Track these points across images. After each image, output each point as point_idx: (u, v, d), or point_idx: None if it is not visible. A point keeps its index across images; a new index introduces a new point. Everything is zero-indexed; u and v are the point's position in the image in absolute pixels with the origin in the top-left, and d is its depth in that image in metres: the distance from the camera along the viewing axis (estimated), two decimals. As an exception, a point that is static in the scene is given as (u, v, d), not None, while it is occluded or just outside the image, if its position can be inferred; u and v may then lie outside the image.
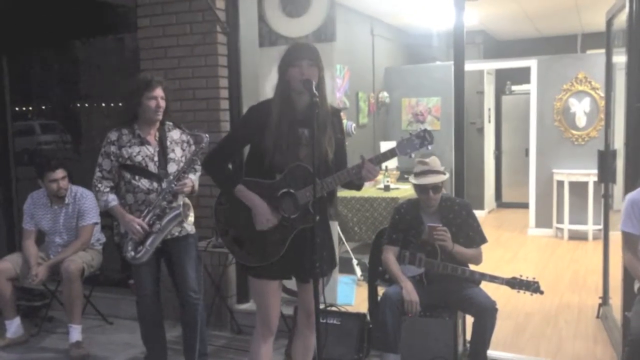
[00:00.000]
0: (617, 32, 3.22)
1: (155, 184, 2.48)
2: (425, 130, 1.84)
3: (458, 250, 2.45)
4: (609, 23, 3.21)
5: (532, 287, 2.37)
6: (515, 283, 2.39)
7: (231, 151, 2.02)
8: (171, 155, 2.53)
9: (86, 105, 4.14)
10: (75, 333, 3.03)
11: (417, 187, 2.52)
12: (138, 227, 2.42)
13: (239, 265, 2.05)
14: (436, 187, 2.49)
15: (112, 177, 2.51)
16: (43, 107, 4.47)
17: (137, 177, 2.47)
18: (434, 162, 2.54)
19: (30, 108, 4.45)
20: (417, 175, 2.52)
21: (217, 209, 1.98)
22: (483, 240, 2.53)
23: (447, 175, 2.56)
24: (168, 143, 2.54)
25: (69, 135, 4.30)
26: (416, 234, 2.53)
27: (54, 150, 4.33)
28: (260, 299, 1.98)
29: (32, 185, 3.39)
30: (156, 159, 2.50)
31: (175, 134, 2.59)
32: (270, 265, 1.91)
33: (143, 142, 2.50)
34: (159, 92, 2.47)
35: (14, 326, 3.16)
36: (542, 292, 2.39)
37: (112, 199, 2.48)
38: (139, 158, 2.48)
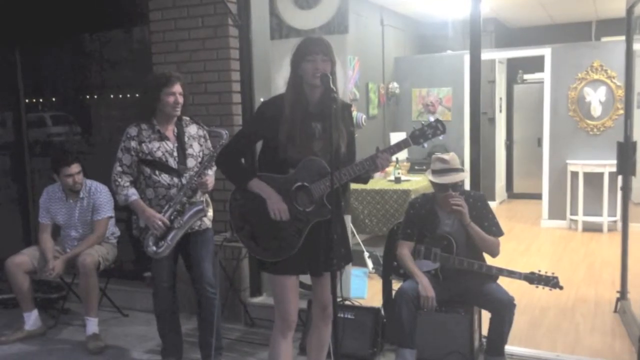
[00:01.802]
0: (634, 18, 3.13)
1: (175, 179, 2.49)
2: (437, 121, 1.85)
3: (474, 228, 2.39)
4: (630, 11, 3.13)
5: (551, 282, 2.34)
6: (534, 278, 2.36)
7: (244, 147, 2.04)
8: (189, 150, 2.54)
9: (96, 97, 4.14)
10: (92, 325, 3.07)
11: (436, 186, 2.48)
12: (159, 222, 2.43)
13: (257, 262, 2.05)
14: (455, 186, 2.45)
15: (131, 172, 2.52)
16: (54, 99, 4.48)
17: (157, 172, 2.48)
18: (453, 159, 2.47)
19: (42, 100, 4.46)
20: (436, 173, 2.47)
21: (232, 205, 1.98)
22: (499, 231, 2.49)
23: (467, 173, 2.51)
24: (186, 138, 2.54)
25: (80, 127, 4.31)
26: (431, 229, 2.50)
27: (65, 142, 4.35)
28: (279, 295, 1.98)
29: (45, 177, 3.41)
30: (175, 154, 2.51)
31: (192, 129, 2.59)
32: (287, 260, 1.91)
33: (162, 138, 2.50)
34: (177, 88, 2.47)
35: (32, 318, 3.20)
36: (561, 288, 2.36)
37: (133, 193, 2.49)
38: (159, 153, 2.48)
